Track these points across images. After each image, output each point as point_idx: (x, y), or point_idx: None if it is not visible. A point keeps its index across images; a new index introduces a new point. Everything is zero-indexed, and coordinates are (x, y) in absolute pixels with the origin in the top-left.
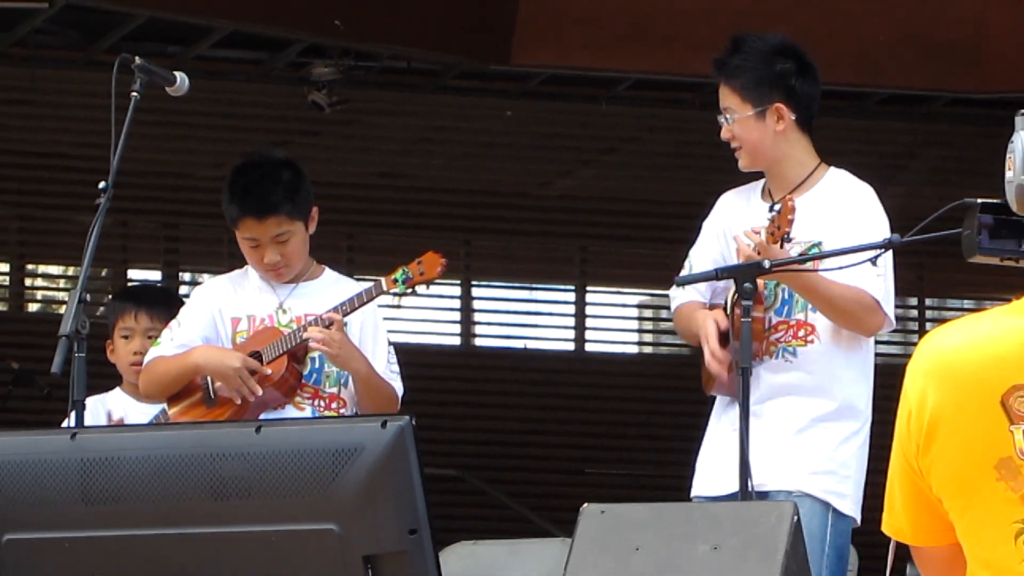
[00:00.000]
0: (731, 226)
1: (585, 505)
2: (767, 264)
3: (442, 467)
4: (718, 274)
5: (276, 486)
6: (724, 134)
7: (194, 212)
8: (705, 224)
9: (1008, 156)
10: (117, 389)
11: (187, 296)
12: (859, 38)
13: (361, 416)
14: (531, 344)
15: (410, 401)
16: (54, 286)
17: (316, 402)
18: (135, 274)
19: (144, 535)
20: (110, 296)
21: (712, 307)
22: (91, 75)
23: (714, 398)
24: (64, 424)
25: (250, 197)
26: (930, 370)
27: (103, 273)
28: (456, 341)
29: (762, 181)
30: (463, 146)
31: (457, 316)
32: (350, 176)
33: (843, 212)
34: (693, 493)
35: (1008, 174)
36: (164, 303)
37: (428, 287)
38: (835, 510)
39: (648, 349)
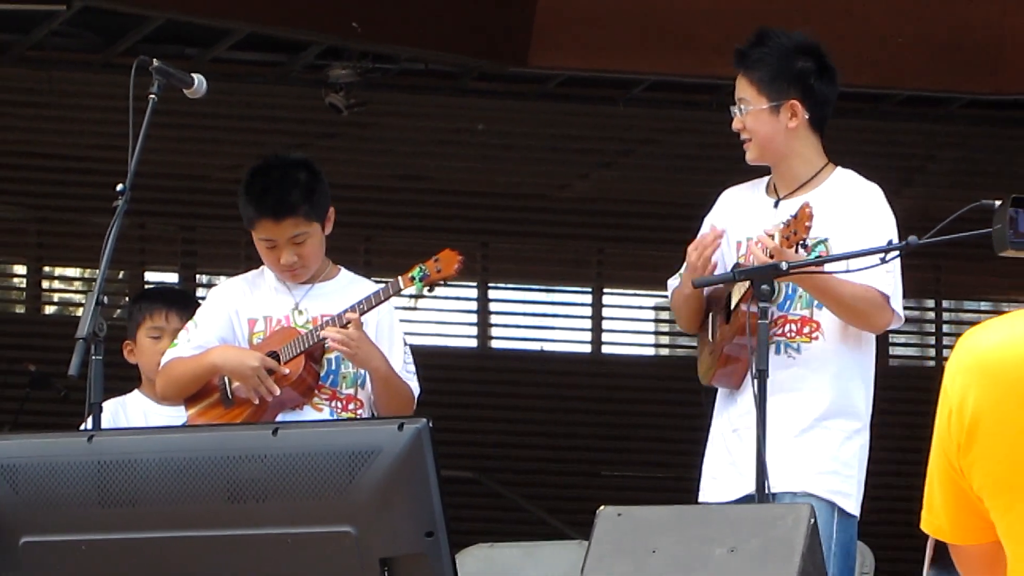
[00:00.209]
0: (733, 222)
1: (602, 507)
2: (784, 266)
3: (458, 469)
4: (736, 276)
5: (293, 489)
6: (735, 124)
7: (211, 214)
8: (706, 220)
9: None
10: (136, 392)
11: (203, 299)
12: (878, 40)
13: (378, 418)
14: (548, 346)
15: (426, 403)
16: (71, 288)
17: (334, 403)
18: (152, 276)
19: (160, 537)
20: (127, 298)
21: (708, 298)
22: (109, 77)
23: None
24: (81, 426)
25: (267, 198)
26: (970, 368)
27: (120, 275)
28: (473, 343)
29: (766, 178)
30: (480, 148)
31: (474, 318)
32: (367, 178)
33: (851, 210)
34: (700, 500)
35: None
36: (191, 306)
37: (445, 284)
38: (840, 509)
39: (665, 351)
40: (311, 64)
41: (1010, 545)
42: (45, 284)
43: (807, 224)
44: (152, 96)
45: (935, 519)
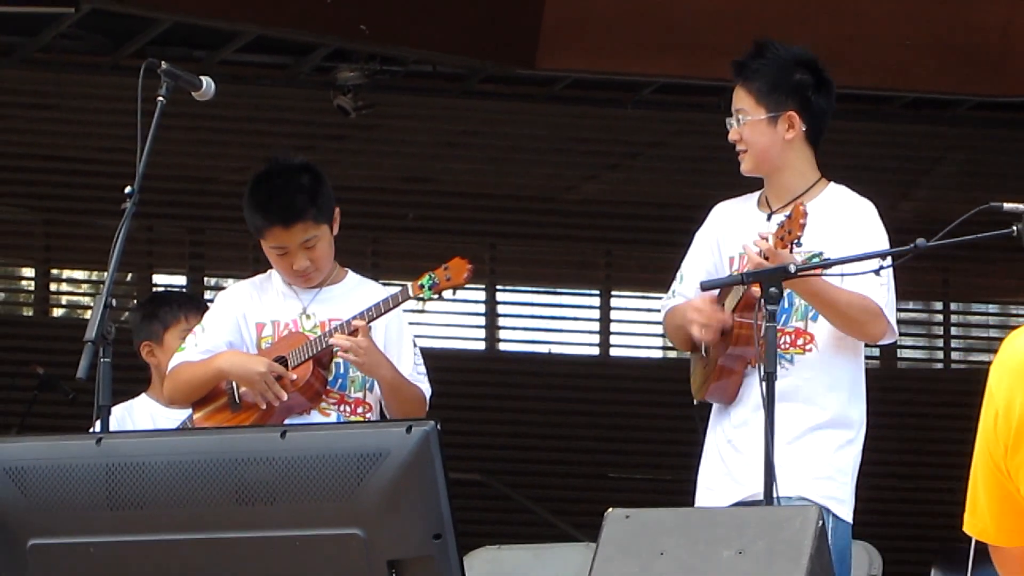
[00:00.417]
0: (725, 236)
1: (610, 510)
2: (793, 268)
3: (466, 471)
4: (744, 279)
5: (301, 491)
6: (732, 135)
7: (220, 216)
8: (698, 235)
9: None
10: (143, 396)
11: (211, 301)
12: (885, 43)
13: (386, 421)
14: (556, 348)
15: (434, 405)
16: (79, 291)
17: (342, 407)
18: (160, 279)
19: (169, 540)
20: (135, 300)
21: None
22: (117, 80)
23: (710, 409)
24: (90, 429)
25: (274, 206)
26: (1016, 370)
27: (128, 278)
28: (481, 345)
29: (758, 192)
30: (488, 150)
31: (482, 320)
32: (375, 180)
33: (845, 224)
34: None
35: None
36: None
37: (455, 292)
38: (834, 515)
39: (673, 354)
40: (319, 66)
41: None
42: (53, 287)
43: (801, 222)
44: (160, 98)
45: (979, 521)
